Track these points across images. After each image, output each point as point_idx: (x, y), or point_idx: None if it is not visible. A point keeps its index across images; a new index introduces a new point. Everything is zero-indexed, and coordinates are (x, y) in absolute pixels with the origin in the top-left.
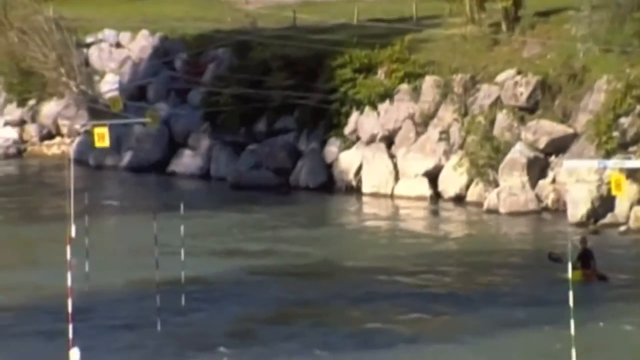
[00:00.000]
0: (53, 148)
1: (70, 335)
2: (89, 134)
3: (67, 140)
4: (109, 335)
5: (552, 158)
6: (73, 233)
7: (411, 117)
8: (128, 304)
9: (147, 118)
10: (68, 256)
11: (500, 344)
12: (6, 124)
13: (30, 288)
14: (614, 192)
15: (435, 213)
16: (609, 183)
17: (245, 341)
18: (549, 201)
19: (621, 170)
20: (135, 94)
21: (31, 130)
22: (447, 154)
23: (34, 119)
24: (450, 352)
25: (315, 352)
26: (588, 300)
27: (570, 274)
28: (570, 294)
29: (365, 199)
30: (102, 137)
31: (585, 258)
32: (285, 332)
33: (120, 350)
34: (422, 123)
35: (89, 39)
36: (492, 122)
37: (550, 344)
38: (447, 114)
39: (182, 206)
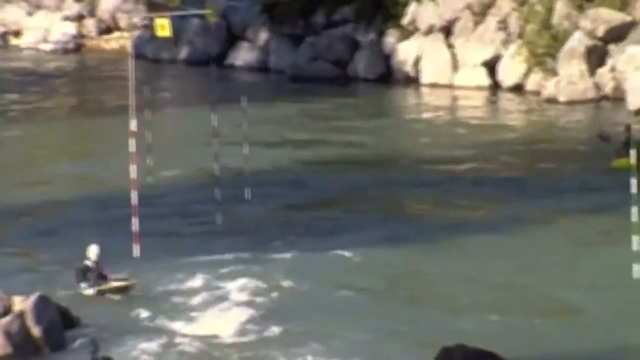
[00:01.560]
0: (111, 42)
1: (136, 228)
2: (147, 27)
3: (126, 34)
4: (169, 227)
5: (611, 46)
6: (134, 127)
7: (469, 6)
8: (189, 196)
9: (207, 10)
10: (131, 149)
11: (558, 229)
12: (65, 18)
13: (94, 180)
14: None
15: (494, 102)
16: None
17: (301, 231)
18: (608, 89)
19: None
20: None
21: (90, 24)
22: (506, 43)
23: (92, 14)
24: (502, 237)
25: (373, 238)
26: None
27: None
28: (634, 181)
29: (424, 89)
30: (164, 27)
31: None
32: (342, 220)
33: (181, 241)
34: (481, 12)
35: None
36: (550, 11)
37: (609, 231)
38: (505, 3)
39: (244, 100)
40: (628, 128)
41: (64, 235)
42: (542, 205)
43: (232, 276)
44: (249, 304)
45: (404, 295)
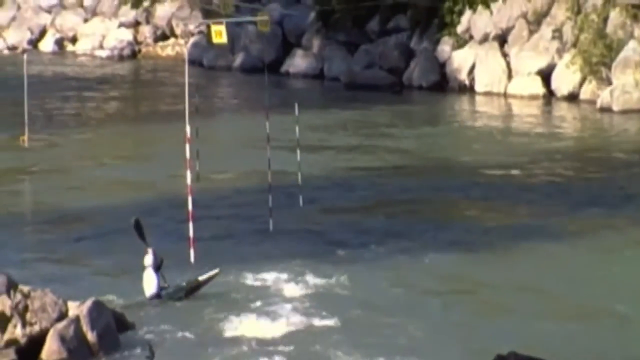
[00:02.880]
0: (167, 49)
1: (191, 233)
2: (202, 34)
3: (181, 41)
4: (220, 232)
5: None
6: (188, 132)
7: (524, 15)
8: (241, 201)
9: (259, 22)
10: (187, 155)
11: (609, 237)
12: (120, 25)
13: (146, 185)
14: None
15: (547, 111)
16: None
17: (354, 235)
18: None
19: None
20: None
21: (145, 31)
22: (560, 52)
23: (148, 21)
24: (551, 245)
25: (423, 243)
26: None
27: None
28: None
29: (477, 98)
30: (220, 33)
31: None
32: (393, 225)
33: (233, 246)
34: (535, 21)
35: None
36: (605, 20)
37: None
38: (560, 12)
39: (296, 106)
40: None
41: (116, 240)
42: (592, 213)
43: (286, 280)
44: (304, 306)
45: (456, 300)
